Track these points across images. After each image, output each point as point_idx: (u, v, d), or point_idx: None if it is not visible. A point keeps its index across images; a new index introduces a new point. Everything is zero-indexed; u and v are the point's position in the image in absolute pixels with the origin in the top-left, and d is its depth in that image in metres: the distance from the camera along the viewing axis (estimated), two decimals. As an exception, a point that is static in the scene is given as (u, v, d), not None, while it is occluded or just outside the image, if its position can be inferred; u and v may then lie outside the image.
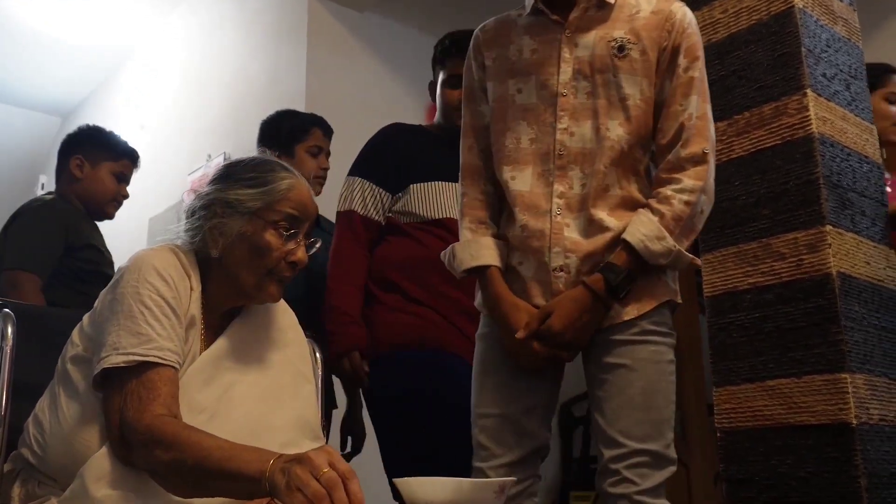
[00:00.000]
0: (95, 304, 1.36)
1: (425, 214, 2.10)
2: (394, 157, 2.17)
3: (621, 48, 1.55)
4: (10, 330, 1.33)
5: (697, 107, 1.53)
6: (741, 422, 1.92)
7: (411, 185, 2.12)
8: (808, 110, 1.92)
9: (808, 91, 1.93)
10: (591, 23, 1.59)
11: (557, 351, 1.49)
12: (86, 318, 1.39)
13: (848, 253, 1.88)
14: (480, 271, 1.60)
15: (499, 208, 1.67)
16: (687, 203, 1.48)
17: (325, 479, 0.99)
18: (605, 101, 1.54)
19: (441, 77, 2.23)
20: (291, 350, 1.47)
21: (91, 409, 1.26)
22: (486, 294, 1.59)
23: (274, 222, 1.38)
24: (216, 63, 4.79)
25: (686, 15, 1.59)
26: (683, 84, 1.54)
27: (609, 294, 1.46)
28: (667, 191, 1.49)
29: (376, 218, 2.13)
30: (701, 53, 1.58)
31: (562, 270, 1.52)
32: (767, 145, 1.97)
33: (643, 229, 1.47)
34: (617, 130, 1.52)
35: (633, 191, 1.54)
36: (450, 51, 2.17)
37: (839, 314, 1.80)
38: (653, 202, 1.50)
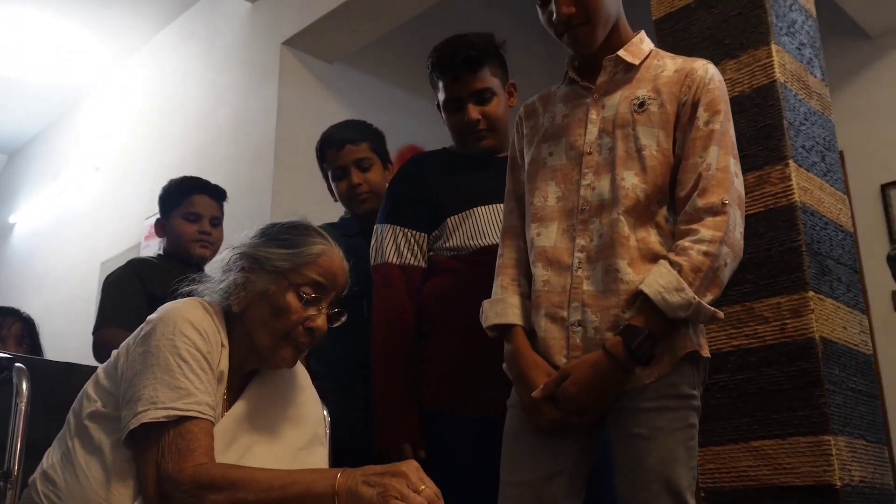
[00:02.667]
0: (115, 357, 1.34)
1: (468, 244, 1.98)
2: (423, 194, 2.05)
3: (641, 104, 1.58)
4: (24, 385, 1.29)
5: (718, 159, 1.52)
6: (725, 482, 1.96)
7: (448, 219, 2.00)
8: (790, 180, 2.01)
9: (790, 161, 2.02)
10: (617, 85, 1.64)
11: (569, 416, 1.49)
12: (101, 371, 1.36)
13: (828, 318, 1.95)
14: (505, 329, 1.61)
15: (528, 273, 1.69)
16: (706, 254, 1.44)
17: (425, 495, 1.07)
18: (623, 153, 1.56)
19: (440, 99, 2.11)
20: (306, 412, 1.46)
21: (119, 467, 1.23)
22: (508, 351, 1.60)
23: (298, 285, 1.37)
24: (180, 107, 4.76)
25: (709, 71, 1.60)
26: (703, 137, 1.53)
27: (630, 358, 1.43)
28: (684, 242, 1.47)
29: (415, 263, 2.00)
30: (724, 107, 1.57)
31: (579, 325, 1.51)
32: (751, 212, 2.04)
33: (661, 280, 1.44)
34: (632, 180, 1.53)
35: (652, 242, 1.52)
36: (436, 70, 2.08)
37: (822, 378, 1.86)
38: (671, 255, 1.47)
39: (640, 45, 1.67)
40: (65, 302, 5.21)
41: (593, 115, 1.63)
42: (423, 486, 1.09)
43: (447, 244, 1.99)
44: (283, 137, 3.96)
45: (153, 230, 4.55)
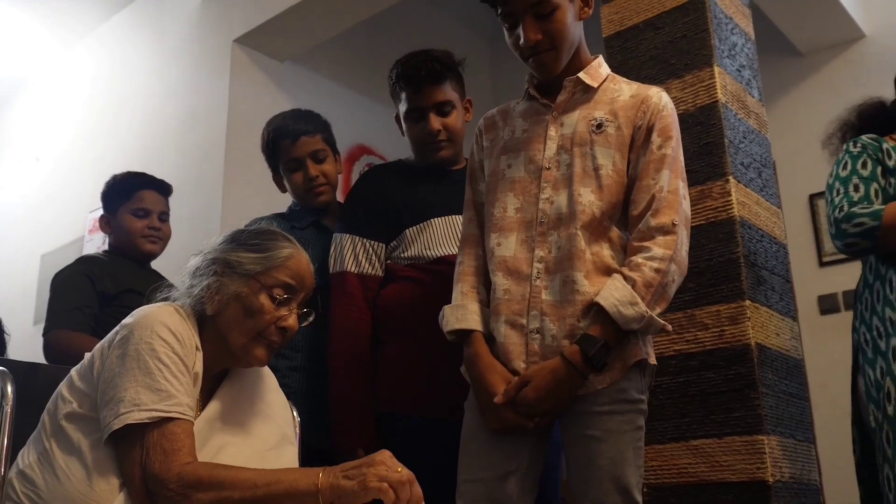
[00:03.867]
0: (90, 359, 1.38)
1: (425, 255, 2.04)
2: (382, 205, 2.11)
3: (600, 125, 1.68)
4: (9, 389, 1.33)
5: (669, 182, 1.62)
6: (667, 478, 2.08)
7: (406, 231, 2.07)
8: (730, 195, 2.14)
9: (730, 178, 2.15)
10: (575, 105, 1.73)
11: (528, 419, 1.57)
12: (74, 373, 1.40)
13: (763, 325, 2.09)
14: (464, 335, 1.69)
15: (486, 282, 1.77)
16: (657, 271, 1.55)
17: (404, 473, 1.20)
18: (580, 170, 1.66)
19: (402, 110, 2.16)
20: (275, 413, 1.53)
21: (100, 465, 1.28)
22: (468, 355, 1.68)
23: (269, 287, 1.45)
24: (126, 100, 4.72)
25: (662, 99, 1.71)
26: (656, 160, 1.64)
27: (586, 365, 1.53)
28: (637, 259, 1.57)
29: (372, 272, 2.07)
30: (675, 134, 1.69)
31: (538, 333, 1.61)
32: (693, 225, 2.14)
33: (616, 294, 1.54)
34: (588, 197, 1.63)
35: (605, 256, 1.62)
36: (400, 81, 2.13)
37: (757, 381, 2.00)
38: (625, 270, 1.58)
39: (599, 69, 1.76)
40: (3, 294, 5.11)
41: (552, 131, 1.72)
42: (399, 469, 1.20)
43: (405, 254, 2.06)
44: (234, 135, 3.97)
45: (96, 223, 4.54)
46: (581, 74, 1.73)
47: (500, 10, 1.69)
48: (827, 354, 3.89)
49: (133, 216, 2.56)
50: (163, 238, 2.62)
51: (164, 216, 2.63)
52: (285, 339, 1.47)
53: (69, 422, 1.33)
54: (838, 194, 2.01)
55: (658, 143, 1.65)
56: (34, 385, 1.54)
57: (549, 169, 1.69)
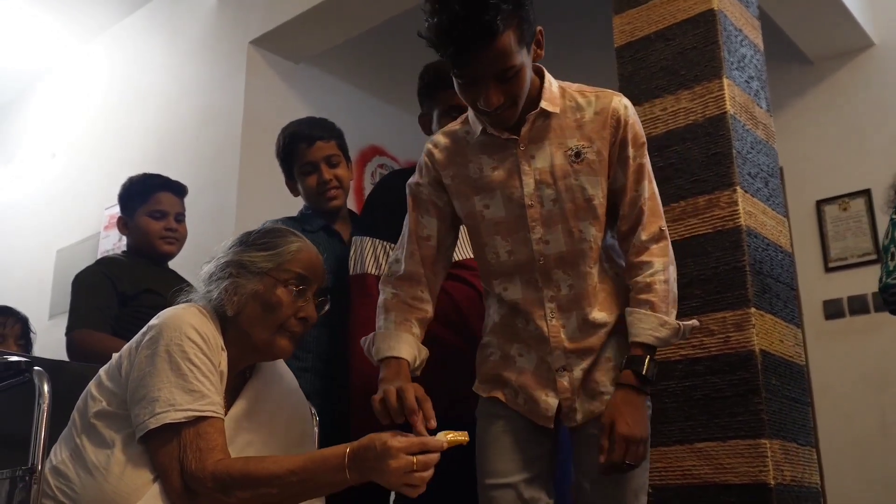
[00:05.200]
0: (118, 360, 1.45)
1: None
2: (402, 209, 2.07)
3: (578, 154, 1.67)
4: (45, 388, 1.39)
5: (647, 189, 1.68)
6: (671, 479, 2.14)
7: None
8: (737, 205, 2.19)
9: (738, 188, 2.21)
10: (541, 133, 1.68)
11: (630, 458, 1.55)
12: (103, 373, 1.47)
13: (767, 332, 2.15)
14: (392, 361, 1.65)
15: (427, 320, 1.74)
16: (665, 282, 1.62)
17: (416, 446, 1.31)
18: (571, 204, 1.66)
19: (437, 111, 2.16)
20: (297, 412, 1.60)
21: (133, 461, 1.35)
22: (384, 375, 1.63)
23: (284, 281, 1.52)
24: (143, 98, 4.78)
25: (626, 107, 1.70)
26: (636, 171, 1.67)
27: (642, 382, 1.57)
28: (645, 279, 1.62)
29: None
30: (644, 138, 1.72)
31: (564, 370, 1.65)
32: (700, 233, 2.23)
33: (645, 326, 1.59)
34: (590, 231, 1.65)
35: (611, 280, 1.68)
36: (438, 84, 2.12)
37: (761, 387, 2.06)
38: (639, 296, 1.63)
39: (552, 90, 1.70)
40: (18, 289, 5.19)
41: (525, 166, 1.67)
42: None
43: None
44: (249, 135, 4.04)
45: (112, 220, 4.62)
46: (543, 104, 1.67)
47: (456, 72, 1.57)
48: (831, 359, 3.94)
49: (150, 218, 2.62)
50: (179, 239, 2.69)
51: (180, 217, 2.69)
52: (307, 329, 1.54)
53: (99, 419, 1.40)
54: (882, 263, 2.27)
55: (633, 155, 1.67)
56: (62, 382, 1.60)
57: (531, 206, 1.67)
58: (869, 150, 4.05)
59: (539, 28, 1.64)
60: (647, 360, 1.58)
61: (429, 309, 1.75)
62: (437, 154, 1.78)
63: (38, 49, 5.51)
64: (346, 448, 1.31)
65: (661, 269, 1.63)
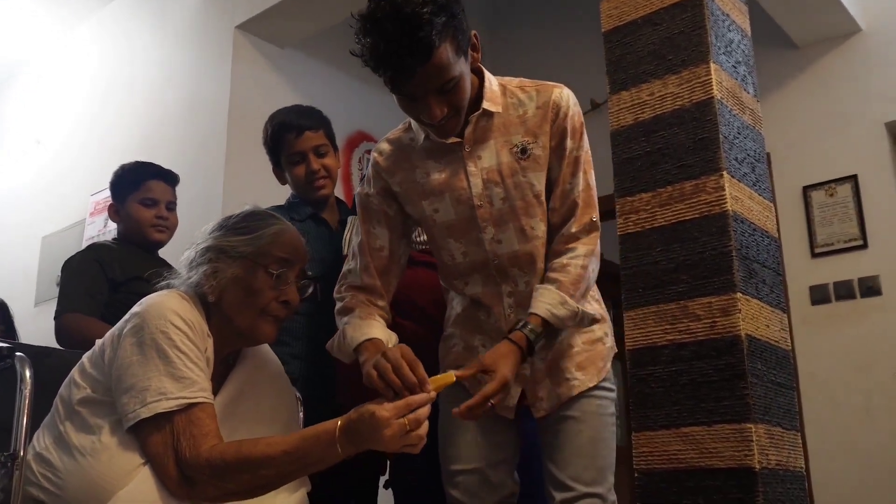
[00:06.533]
0: (101, 347, 1.44)
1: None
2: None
3: (524, 150, 1.68)
4: (28, 373, 1.39)
5: (582, 181, 1.70)
6: (657, 464, 2.14)
7: None
8: (723, 190, 2.19)
9: (724, 173, 2.20)
10: (485, 133, 1.69)
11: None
12: (86, 360, 1.46)
13: (753, 317, 2.15)
14: (367, 343, 1.67)
15: (386, 318, 1.77)
16: (583, 267, 1.64)
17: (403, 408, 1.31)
18: (521, 202, 1.67)
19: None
20: (282, 398, 1.60)
21: (122, 446, 1.35)
22: (365, 357, 1.63)
23: (264, 265, 1.51)
24: (128, 83, 4.75)
25: (566, 98, 1.71)
26: (571, 164, 1.69)
27: (529, 348, 1.59)
28: (563, 259, 1.64)
29: None
30: (583, 129, 1.73)
31: (526, 362, 1.65)
32: (687, 218, 2.22)
33: (546, 300, 1.61)
34: (540, 227, 1.68)
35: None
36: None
37: (746, 371, 2.06)
38: (551, 274, 1.64)
39: (493, 89, 1.71)
40: (4, 276, 5.16)
41: (472, 167, 1.67)
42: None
43: (419, 238, 2.12)
44: (236, 120, 4.01)
45: (98, 206, 4.59)
46: (486, 105, 1.68)
47: (396, 91, 1.58)
48: (817, 344, 3.97)
49: (141, 205, 2.63)
50: (170, 227, 2.69)
51: (171, 205, 2.69)
52: (289, 312, 1.54)
53: (84, 406, 1.39)
54: None
55: (571, 147, 1.68)
56: (47, 369, 1.59)
57: (481, 206, 1.67)
58: (856, 136, 4.07)
59: (473, 32, 1.63)
60: (538, 331, 1.59)
61: (387, 316, 1.76)
62: (383, 162, 1.77)
63: (23, 35, 5.45)
64: (337, 423, 1.31)
65: (583, 254, 1.65)
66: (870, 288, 3.90)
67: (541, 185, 1.67)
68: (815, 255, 4.08)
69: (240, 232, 1.54)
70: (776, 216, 2.49)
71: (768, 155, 3.10)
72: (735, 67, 2.42)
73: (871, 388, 3.81)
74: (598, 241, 1.69)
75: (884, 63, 4.08)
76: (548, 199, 1.70)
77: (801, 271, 4.08)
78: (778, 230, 2.51)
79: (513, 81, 1.73)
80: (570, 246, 1.65)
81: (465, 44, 1.59)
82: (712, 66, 2.29)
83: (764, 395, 2.11)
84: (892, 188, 3.96)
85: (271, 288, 1.50)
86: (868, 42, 4.15)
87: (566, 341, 1.68)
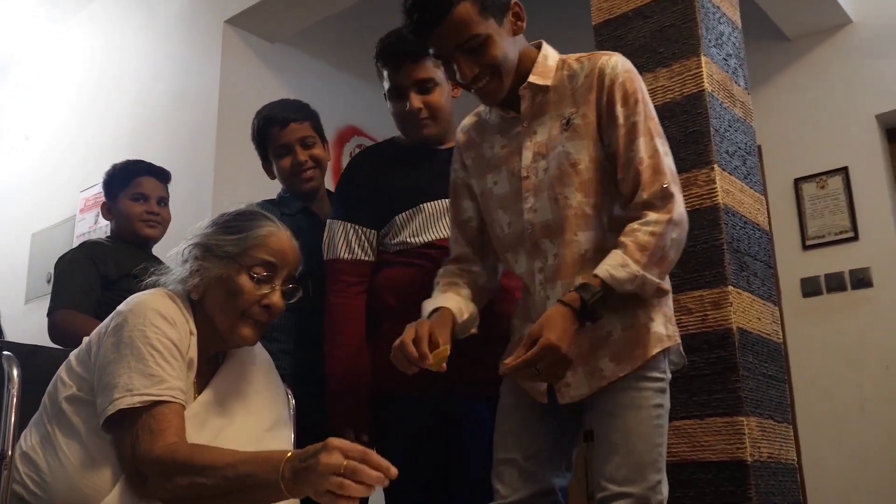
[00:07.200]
0: (87, 344, 1.43)
1: (413, 241, 2.09)
2: (371, 191, 2.15)
3: (568, 122, 1.66)
4: (15, 372, 1.37)
5: (646, 147, 1.60)
6: (650, 458, 2.14)
7: (396, 217, 2.10)
8: (714, 183, 2.19)
9: (715, 166, 2.20)
10: (542, 108, 1.70)
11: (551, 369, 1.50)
12: (73, 357, 1.45)
13: (745, 310, 2.15)
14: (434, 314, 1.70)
15: (481, 284, 1.82)
16: (652, 234, 1.53)
17: (355, 453, 1.11)
18: (557, 171, 1.65)
19: (385, 88, 2.18)
20: (271, 396, 1.58)
21: (97, 452, 1.33)
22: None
23: (248, 267, 1.49)
24: (118, 78, 4.71)
25: (612, 65, 1.66)
26: (627, 132, 1.61)
27: (583, 310, 1.50)
28: (633, 225, 1.56)
29: (365, 258, 2.11)
30: (639, 95, 1.64)
31: None
32: (678, 211, 2.22)
33: (609, 262, 1.53)
34: (575, 197, 1.62)
35: (609, 247, 1.59)
36: (380, 60, 2.15)
37: (738, 365, 2.06)
38: (620, 238, 1.56)
39: (547, 63, 1.72)
40: (-7, 272, 5.13)
41: (528, 141, 1.70)
42: (349, 453, 1.13)
43: (395, 240, 2.11)
44: (225, 115, 3.99)
45: (87, 203, 4.56)
46: (532, 78, 1.69)
47: (432, 51, 1.67)
48: (808, 336, 3.97)
49: (132, 201, 2.64)
50: (162, 223, 2.69)
51: (162, 201, 2.69)
52: (272, 317, 1.51)
53: (69, 404, 1.38)
54: None
55: (624, 115, 1.62)
56: (36, 367, 1.58)
57: (527, 178, 1.68)
58: (846, 128, 4.07)
59: (516, 1, 1.65)
60: (597, 292, 1.50)
61: (482, 273, 1.82)
62: (462, 137, 1.87)
63: (11, 30, 5.41)
64: (290, 451, 1.21)
65: (653, 221, 1.56)
66: (861, 280, 3.91)
67: (577, 155, 1.63)
68: (806, 248, 4.08)
69: (229, 231, 1.52)
70: (767, 209, 2.49)
71: (759, 147, 3.10)
72: (726, 60, 2.42)
73: (863, 380, 3.82)
74: (679, 207, 1.59)
75: (875, 55, 4.08)
76: (616, 172, 1.66)
77: (793, 264, 4.09)
78: (769, 223, 2.51)
79: (573, 55, 1.75)
80: (643, 213, 1.58)
81: (498, 8, 1.62)
82: (703, 58, 2.29)
83: (756, 388, 2.11)
84: (883, 180, 3.97)
85: (252, 291, 1.47)
86: (859, 34, 4.15)
87: (605, 327, 1.61)
